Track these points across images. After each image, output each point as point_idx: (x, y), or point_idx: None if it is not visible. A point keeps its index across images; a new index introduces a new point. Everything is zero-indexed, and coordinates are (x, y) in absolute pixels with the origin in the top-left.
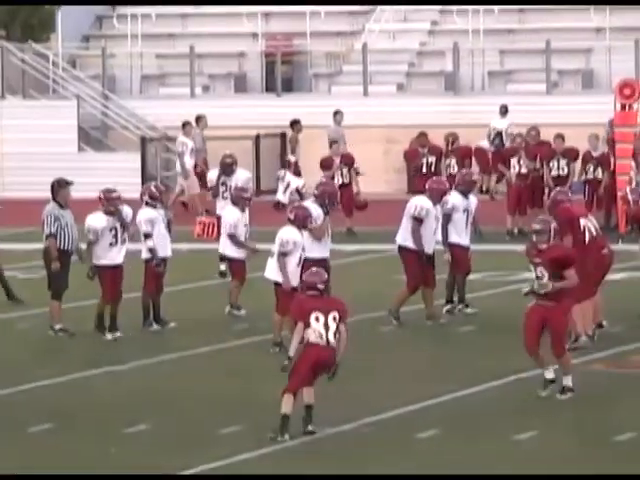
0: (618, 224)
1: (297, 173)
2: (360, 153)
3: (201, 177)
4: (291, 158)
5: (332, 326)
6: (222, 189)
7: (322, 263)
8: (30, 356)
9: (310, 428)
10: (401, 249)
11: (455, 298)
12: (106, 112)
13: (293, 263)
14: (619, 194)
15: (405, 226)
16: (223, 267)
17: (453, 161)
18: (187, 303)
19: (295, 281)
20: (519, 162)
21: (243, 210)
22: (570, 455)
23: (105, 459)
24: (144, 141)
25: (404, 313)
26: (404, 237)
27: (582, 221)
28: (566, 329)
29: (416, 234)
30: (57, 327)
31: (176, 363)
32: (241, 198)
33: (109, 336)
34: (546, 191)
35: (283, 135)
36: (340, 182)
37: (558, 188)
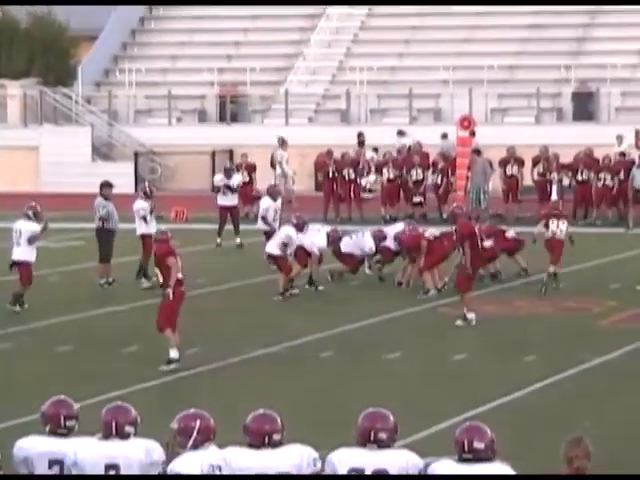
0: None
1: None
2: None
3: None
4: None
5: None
6: (224, 188)
7: None
8: (56, 301)
9: None
10: None
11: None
12: (111, 135)
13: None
14: (458, 193)
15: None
16: (218, 240)
17: (351, 170)
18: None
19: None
20: (388, 170)
21: (275, 200)
22: (423, 367)
23: (109, 369)
24: (136, 155)
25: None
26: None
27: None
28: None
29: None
30: (102, 281)
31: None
32: (277, 192)
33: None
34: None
35: (231, 152)
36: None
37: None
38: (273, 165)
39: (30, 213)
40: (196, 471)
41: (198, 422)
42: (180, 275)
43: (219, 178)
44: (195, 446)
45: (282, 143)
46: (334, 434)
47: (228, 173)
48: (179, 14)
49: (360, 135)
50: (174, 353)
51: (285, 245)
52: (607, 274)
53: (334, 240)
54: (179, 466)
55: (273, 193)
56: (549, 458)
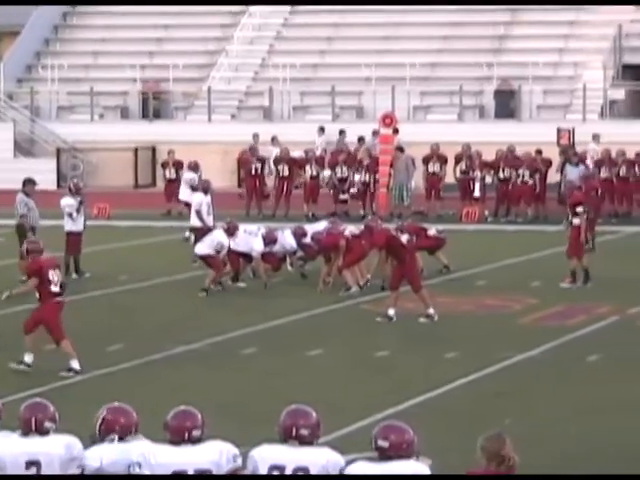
0: (379, 211)
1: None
2: (206, 160)
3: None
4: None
5: None
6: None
7: None
8: None
9: None
10: None
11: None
12: (33, 131)
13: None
14: (381, 190)
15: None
16: (187, 234)
17: (286, 167)
18: (94, 260)
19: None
20: (311, 168)
21: (207, 193)
22: (345, 364)
23: (40, 359)
24: (59, 151)
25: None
26: None
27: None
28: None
29: None
30: (24, 278)
31: (87, 300)
32: (209, 186)
33: None
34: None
35: (153, 148)
36: (168, 177)
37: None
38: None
39: None
40: (105, 461)
41: (119, 415)
42: (55, 288)
43: (191, 177)
44: (119, 438)
45: (272, 140)
46: (257, 431)
47: (195, 169)
48: (101, 10)
49: (343, 132)
50: (29, 358)
51: (218, 252)
52: (528, 272)
53: (270, 242)
54: (90, 457)
55: (205, 187)
56: (470, 455)
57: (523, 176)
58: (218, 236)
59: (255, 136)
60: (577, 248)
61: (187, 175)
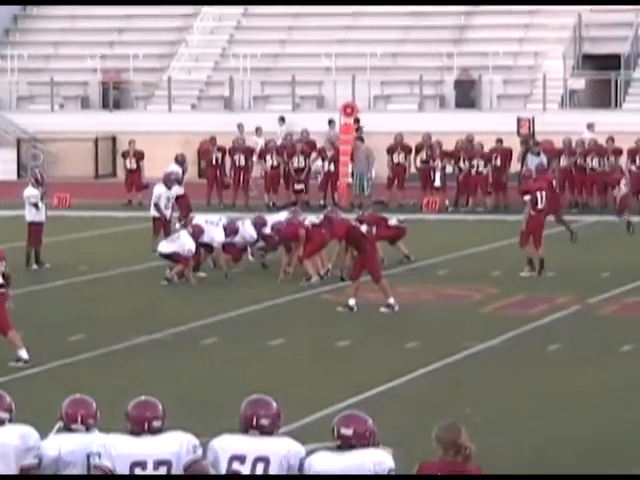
0: (340, 201)
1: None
2: (166, 150)
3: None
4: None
5: None
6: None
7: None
8: None
9: None
10: None
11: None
12: None
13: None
14: (341, 180)
15: None
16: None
17: (242, 157)
18: (55, 250)
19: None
20: (272, 158)
21: (169, 188)
22: (306, 353)
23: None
24: (19, 141)
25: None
26: None
27: (312, 221)
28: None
29: None
30: None
31: (47, 291)
32: (171, 180)
33: None
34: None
35: (114, 138)
36: (129, 168)
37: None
38: None
39: None
40: (64, 451)
41: (80, 406)
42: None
43: (176, 169)
44: (70, 429)
45: (257, 130)
46: (218, 420)
47: (182, 163)
48: None
49: (332, 122)
50: (24, 353)
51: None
52: (488, 261)
53: (231, 233)
54: (47, 447)
55: (167, 181)
56: (431, 444)
57: (478, 166)
58: (186, 242)
59: (240, 126)
60: (526, 237)
61: (172, 167)
